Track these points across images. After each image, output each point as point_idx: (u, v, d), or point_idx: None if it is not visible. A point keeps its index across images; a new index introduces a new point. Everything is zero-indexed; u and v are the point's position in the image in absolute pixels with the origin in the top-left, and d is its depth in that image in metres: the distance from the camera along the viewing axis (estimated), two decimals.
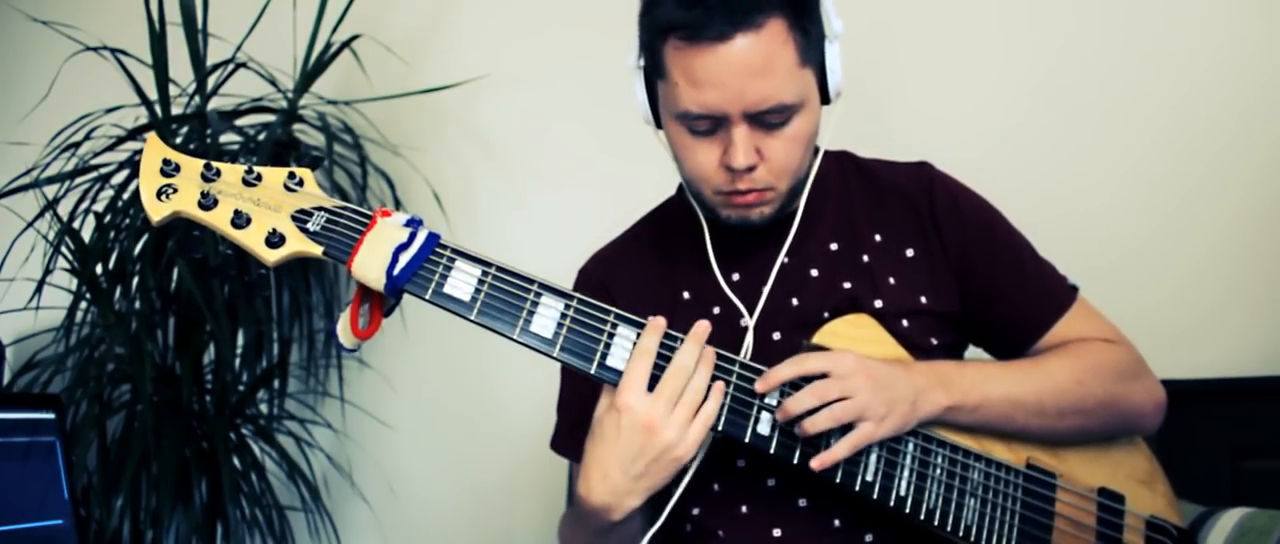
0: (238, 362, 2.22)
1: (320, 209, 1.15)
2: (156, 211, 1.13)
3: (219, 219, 1.12)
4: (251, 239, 1.12)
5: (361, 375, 2.41)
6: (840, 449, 1.13)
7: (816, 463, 1.13)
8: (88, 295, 2.13)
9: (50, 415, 1.54)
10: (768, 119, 1.18)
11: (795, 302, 1.29)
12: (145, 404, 2.01)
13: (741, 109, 1.17)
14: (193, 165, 1.15)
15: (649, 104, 1.29)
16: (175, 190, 1.14)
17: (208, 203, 1.13)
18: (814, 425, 1.13)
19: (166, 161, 1.15)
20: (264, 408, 2.31)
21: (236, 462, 2.15)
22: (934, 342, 1.28)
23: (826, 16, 1.22)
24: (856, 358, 1.16)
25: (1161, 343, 1.74)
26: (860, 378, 1.14)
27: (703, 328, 1.15)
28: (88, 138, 2.16)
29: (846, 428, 1.14)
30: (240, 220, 1.12)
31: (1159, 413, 1.33)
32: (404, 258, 1.12)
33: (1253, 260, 1.79)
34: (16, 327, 2.28)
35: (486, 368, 2.32)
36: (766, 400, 1.17)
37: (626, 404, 1.10)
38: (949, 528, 1.20)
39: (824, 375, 1.14)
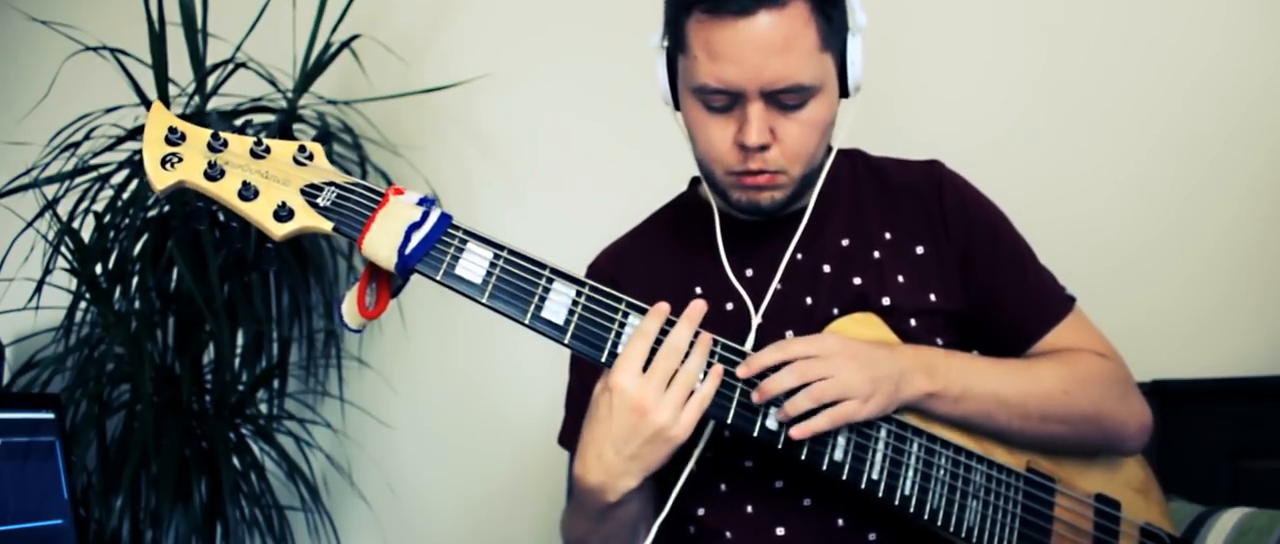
0: (237, 361, 2.22)
1: (331, 184, 1.12)
2: (160, 180, 1.08)
3: (225, 190, 1.08)
4: (259, 212, 1.08)
5: (361, 375, 2.41)
6: (819, 421, 1.12)
7: (796, 431, 1.12)
8: (87, 295, 2.13)
9: (50, 415, 1.54)
10: (784, 99, 1.19)
11: (809, 299, 1.29)
12: (145, 404, 2.01)
13: (758, 86, 1.17)
14: (199, 135, 1.11)
15: (669, 84, 1.29)
16: (180, 159, 1.09)
17: (214, 173, 1.08)
18: (795, 407, 1.12)
19: (172, 130, 1.10)
20: (264, 408, 2.31)
21: (236, 461, 2.15)
22: (940, 341, 1.28)
23: (851, 7, 1.22)
24: (840, 339, 1.16)
25: (1162, 343, 1.75)
26: (842, 358, 1.14)
27: (698, 307, 1.14)
28: (87, 138, 2.17)
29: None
30: (248, 192, 1.08)
31: (1142, 434, 1.32)
32: (416, 237, 1.10)
33: (1254, 260, 1.79)
34: (16, 327, 2.28)
35: (487, 367, 2.32)
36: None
37: (619, 385, 1.10)
38: (951, 528, 1.20)
39: (803, 359, 1.14)
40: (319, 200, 1.11)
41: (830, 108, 1.24)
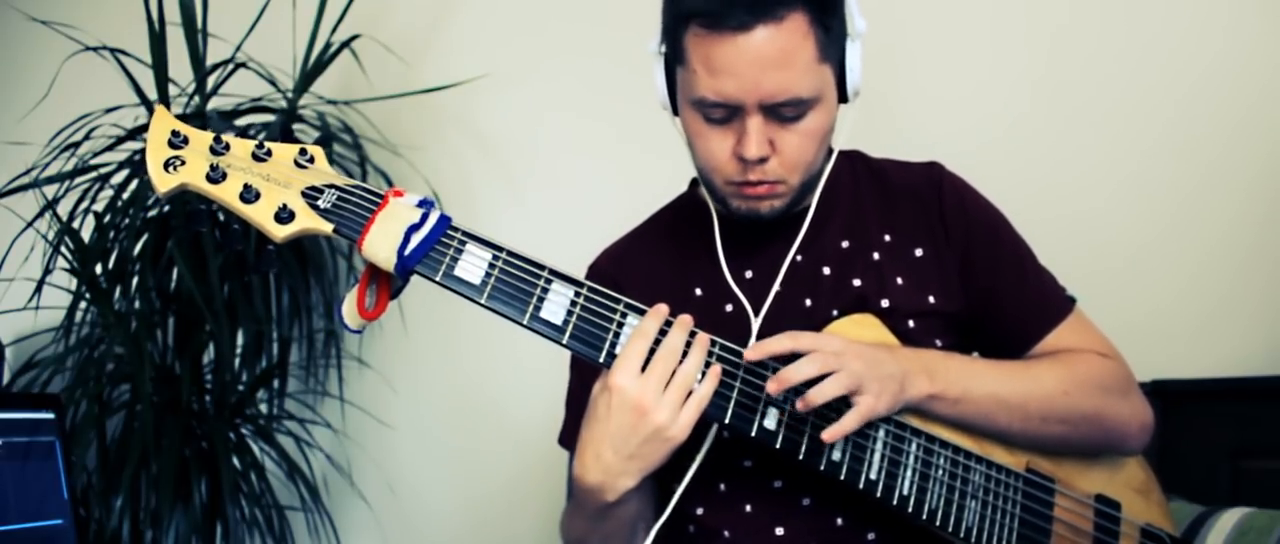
0: (237, 361, 2.22)
1: (331, 187, 1.13)
2: (163, 183, 1.09)
3: (227, 193, 1.09)
4: (260, 214, 1.09)
5: (361, 375, 2.41)
6: (848, 421, 1.12)
7: (828, 434, 1.12)
8: (87, 295, 2.13)
9: (50, 415, 1.54)
10: (783, 111, 1.19)
11: (809, 302, 1.29)
12: (145, 404, 2.01)
13: (757, 100, 1.17)
14: (202, 138, 1.13)
15: (667, 90, 1.29)
16: (183, 162, 1.10)
17: (216, 176, 1.10)
18: (820, 394, 1.11)
19: (175, 133, 1.11)
20: (264, 408, 2.31)
21: (236, 461, 2.15)
22: (939, 343, 1.28)
23: (850, 14, 1.23)
24: (843, 339, 1.16)
25: (1163, 343, 1.75)
26: (850, 355, 1.14)
27: (686, 318, 1.15)
28: (87, 138, 2.17)
29: (843, 407, 1.14)
30: (249, 195, 1.09)
31: (1144, 434, 1.32)
32: (416, 239, 1.11)
33: (1254, 260, 1.79)
34: (16, 327, 2.28)
35: (487, 367, 2.32)
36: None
37: (618, 384, 1.10)
38: (950, 529, 1.20)
39: (813, 353, 1.14)
40: (319, 202, 1.11)
41: (829, 117, 1.24)
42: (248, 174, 1.11)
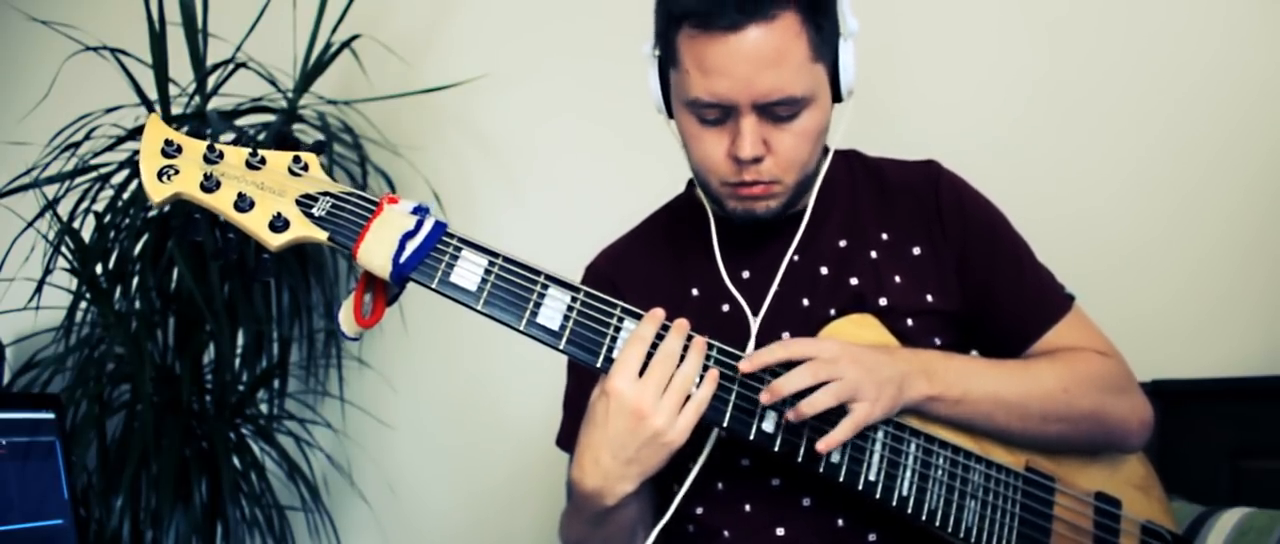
0: (238, 361, 2.22)
1: (325, 194, 1.13)
2: (157, 193, 1.10)
3: (221, 202, 1.10)
4: (255, 223, 1.10)
5: (361, 375, 2.41)
6: (842, 431, 1.12)
7: (822, 444, 1.12)
8: (88, 295, 2.13)
9: (50, 415, 1.54)
10: (776, 111, 1.19)
11: (806, 302, 1.29)
12: (145, 404, 2.01)
13: (750, 99, 1.17)
14: (195, 146, 1.13)
15: (661, 93, 1.29)
16: (176, 171, 1.11)
17: (210, 185, 1.10)
18: (812, 406, 1.12)
19: (168, 142, 1.12)
20: (264, 408, 2.31)
21: (236, 461, 2.15)
22: (938, 341, 1.28)
23: (842, 14, 1.23)
24: (840, 343, 1.16)
25: (1163, 343, 1.75)
26: (845, 362, 1.14)
27: (683, 322, 1.15)
28: (88, 138, 2.16)
29: (839, 413, 1.13)
30: (243, 204, 1.10)
31: (1144, 431, 1.32)
32: (411, 246, 1.11)
33: (1253, 260, 1.79)
34: (16, 327, 2.28)
35: (487, 367, 2.32)
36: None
37: (616, 389, 1.10)
38: (950, 529, 1.20)
39: (809, 360, 1.14)
40: (314, 210, 1.12)
41: (823, 116, 1.24)
42: (241, 182, 1.11)
